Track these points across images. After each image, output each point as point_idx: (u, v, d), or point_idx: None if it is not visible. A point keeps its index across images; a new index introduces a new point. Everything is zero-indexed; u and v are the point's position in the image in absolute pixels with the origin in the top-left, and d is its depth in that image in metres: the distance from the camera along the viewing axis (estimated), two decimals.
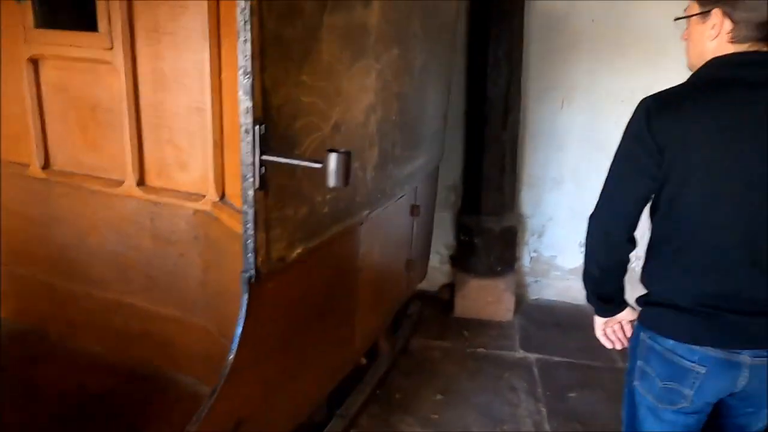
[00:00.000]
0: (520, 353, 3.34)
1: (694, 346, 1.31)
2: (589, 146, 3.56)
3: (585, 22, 3.46)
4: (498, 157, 3.44)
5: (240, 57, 1.17)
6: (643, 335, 1.42)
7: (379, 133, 1.86)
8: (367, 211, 1.88)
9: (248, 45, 1.16)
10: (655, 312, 1.40)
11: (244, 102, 1.21)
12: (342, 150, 1.20)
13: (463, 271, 3.67)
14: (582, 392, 2.93)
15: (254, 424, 1.44)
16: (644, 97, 1.33)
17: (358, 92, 1.66)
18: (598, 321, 1.55)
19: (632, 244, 1.40)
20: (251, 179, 1.26)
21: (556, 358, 3.28)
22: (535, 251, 3.96)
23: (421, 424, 2.69)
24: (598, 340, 1.60)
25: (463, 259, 3.68)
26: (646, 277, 1.43)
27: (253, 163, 1.25)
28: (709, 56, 1.31)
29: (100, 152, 1.72)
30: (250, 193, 1.27)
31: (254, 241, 1.31)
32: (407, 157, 2.18)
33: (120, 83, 1.59)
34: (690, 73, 1.38)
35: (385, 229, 2.14)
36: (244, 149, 1.24)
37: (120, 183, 1.68)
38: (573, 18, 3.50)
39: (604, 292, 1.49)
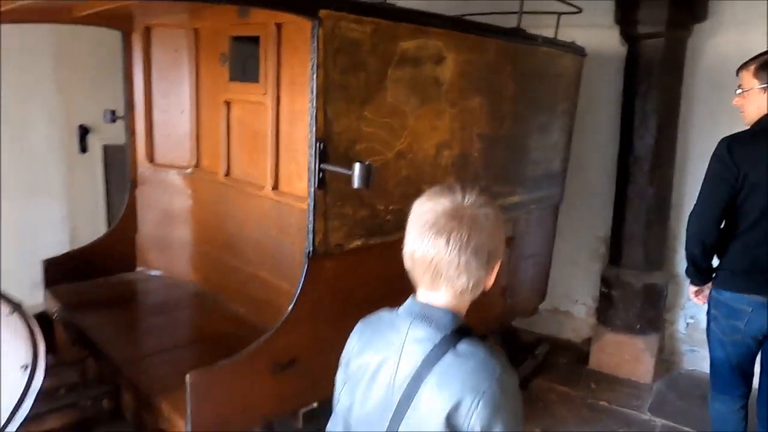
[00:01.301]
0: (647, 416, 3.21)
1: (743, 294, 2.13)
2: None
3: None
4: (641, 212, 3.43)
5: (309, 96, 1.74)
6: (714, 292, 2.24)
7: (455, 166, 2.26)
8: None
9: (314, 88, 1.73)
10: (720, 275, 2.22)
11: (312, 127, 1.77)
12: (366, 162, 1.67)
13: (601, 324, 3.67)
14: None
15: (304, 366, 1.92)
16: (724, 137, 2.14)
17: (427, 130, 2.10)
18: (692, 288, 2.34)
19: (719, 234, 2.16)
20: (313, 181, 1.80)
21: (686, 429, 3.08)
22: (692, 317, 3.72)
23: None
24: None
25: (602, 312, 3.68)
26: (718, 254, 2.20)
27: (314, 169, 1.79)
28: (764, 113, 2.11)
29: (255, 166, 2.44)
30: (311, 191, 1.81)
31: (313, 226, 1.84)
32: (496, 192, 2.51)
33: (269, 118, 2.30)
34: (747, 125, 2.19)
35: None
36: (309, 159, 1.79)
37: (263, 188, 2.38)
38: None
39: (699, 268, 2.24)
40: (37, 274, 2.81)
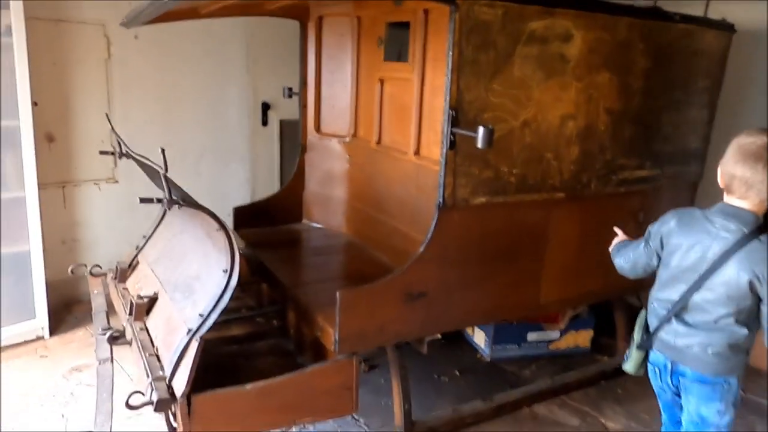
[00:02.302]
0: (765, 401, 3.09)
1: None
2: None
3: None
4: None
5: (446, 71, 2.07)
6: None
7: (580, 137, 2.45)
8: (561, 195, 2.48)
9: (450, 63, 2.06)
10: None
11: (446, 96, 2.10)
12: (488, 126, 1.97)
13: None
14: None
15: (431, 299, 2.28)
16: None
17: (553, 101, 2.33)
18: None
19: None
20: (445, 143, 2.14)
21: None
22: None
23: (626, 416, 2.98)
24: None
25: None
26: None
27: (447, 132, 2.12)
28: None
29: (402, 134, 2.82)
30: (444, 151, 2.15)
31: (443, 182, 2.18)
32: (622, 165, 2.64)
33: (414, 92, 2.66)
34: None
35: (594, 218, 2.65)
36: (443, 124, 2.13)
37: (406, 153, 2.76)
38: None
39: None
40: (227, 220, 3.51)
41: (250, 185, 4.62)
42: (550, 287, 2.63)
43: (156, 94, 4.04)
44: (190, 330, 1.99)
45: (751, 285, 1.71)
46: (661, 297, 1.95)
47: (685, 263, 1.85)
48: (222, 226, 2.05)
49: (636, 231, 2.86)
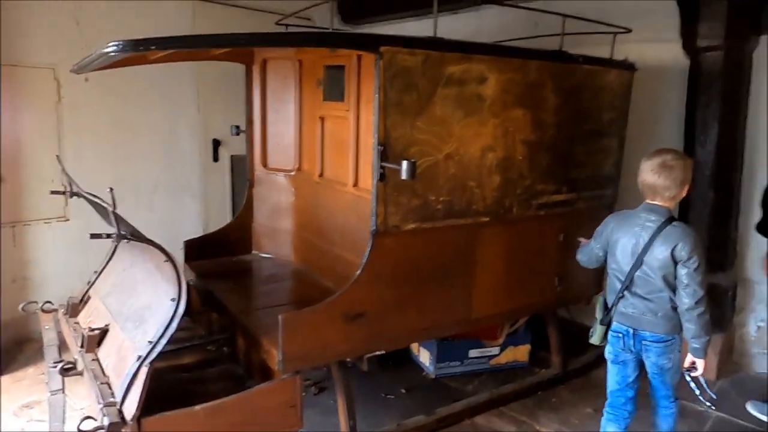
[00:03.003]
0: (703, 408, 3.38)
1: None
2: None
3: None
4: (703, 216, 3.60)
5: (366, 110, 2.31)
6: None
7: (500, 167, 2.72)
8: (486, 219, 2.74)
9: (376, 104, 2.30)
10: None
11: (375, 134, 2.33)
12: (412, 160, 2.20)
13: None
14: None
15: (369, 319, 2.47)
16: None
17: (473, 136, 2.59)
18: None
19: None
20: (375, 176, 2.36)
21: (739, 421, 3.23)
22: (762, 321, 3.79)
23: (559, 422, 3.21)
24: None
25: None
26: None
27: (376, 166, 2.35)
28: None
29: (341, 167, 3.04)
30: (374, 183, 2.37)
31: (375, 211, 2.40)
32: (543, 190, 2.92)
33: (351, 129, 2.89)
34: None
35: (517, 239, 2.91)
36: (373, 159, 2.36)
37: (346, 185, 2.98)
38: None
39: None
40: (179, 254, 3.63)
41: (203, 219, 4.75)
42: (481, 303, 2.86)
43: (108, 133, 4.17)
44: (140, 356, 2.12)
45: (672, 255, 2.30)
46: (611, 281, 2.54)
47: (626, 250, 2.42)
48: (169, 257, 2.20)
49: (558, 250, 3.15)
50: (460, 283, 2.77)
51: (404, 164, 2.20)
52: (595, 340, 2.57)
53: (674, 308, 2.36)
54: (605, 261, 2.58)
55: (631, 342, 2.46)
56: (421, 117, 2.43)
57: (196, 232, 4.49)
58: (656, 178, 2.32)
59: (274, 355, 2.35)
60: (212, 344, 3.02)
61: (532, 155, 2.84)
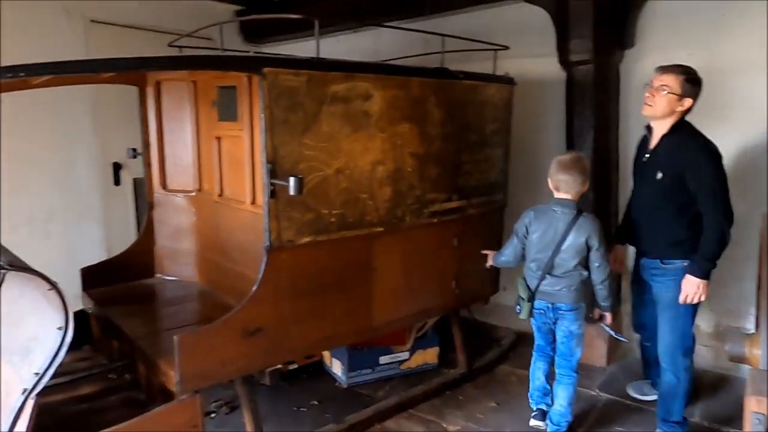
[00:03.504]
0: (594, 392, 3.65)
1: None
2: None
3: None
4: None
5: (260, 130, 2.38)
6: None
7: (390, 179, 2.86)
8: (380, 229, 2.86)
9: (263, 124, 2.37)
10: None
11: (263, 152, 2.40)
12: (298, 176, 2.29)
13: None
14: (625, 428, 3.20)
15: (268, 333, 2.53)
16: (712, 142, 2.74)
17: (362, 150, 2.72)
18: (704, 283, 2.71)
19: None
20: (266, 192, 2.43)
21: (627, 402, 3.51)
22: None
23: (465, 418, 3.36)
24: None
25: None
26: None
27: (267, 183, 2.42)
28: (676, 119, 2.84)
29: (239, 186, 3.08)
30: (266, 200, 2.44)
31: (268, 227, 2.46)
32: (434, 199, 3.09)
33: (245, 148, 2.95)
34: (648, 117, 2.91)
35: (412, 246, 3.06)
36: (263, 176, 2.43)
37: (243, 203, 3.02)
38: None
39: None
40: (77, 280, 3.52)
41: (106, 245, 4.60)
42: (381, 310, 2.98)
43: None
44: (25, 390, 2.07)
45: (586, 242, 2.84)
46: (532, 265, 2.98)
47: (545, 239, 2.91)
48: (53, 285, 2.16)
49: (453, 254, 3.33)
50: (358, 292, 2.87)
51: (291, 180, 2.28)
52: (523, 315, 3.03)
53: (582, 282, 2.92)
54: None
55: (551, 314, 2.99)
56: (309, 134, 2.52)
57: (99, 258, 4.32)
58: (566, 176, 2.83)
59: (172, 377, 2.35)
60: (112, 372, 2.96)
61: (422, 167, 3.00)
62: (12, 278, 2.55)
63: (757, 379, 2.05)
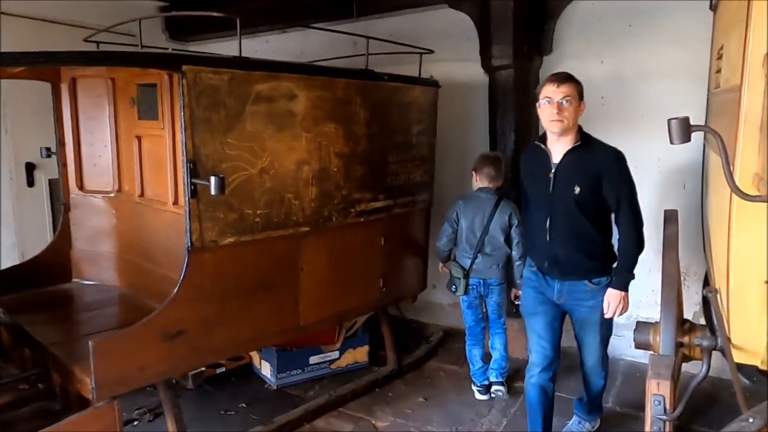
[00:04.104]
0: (519, 384, 3.78)
1: None
2: None
3: (595, 100, 4.01)
4: None
5: (180, 128, 2.34)
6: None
7: (316, 178, 2.87)
8: (306, 229, 2.87)
9: (183, 123, 2.33)
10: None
11: (183, 151, 2.36)
12: (219, 175, 2.26)
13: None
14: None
15: (190, 336, 2.48)
16: (618, 149, 2.63)
17: (286, 150, 2.72)
18: (623, 294, 2.66)
19: None
20: (187, 192, 2.39)
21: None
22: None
23: (394, 414, 3.41)
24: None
25: None
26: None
27: (187, 183, 2.38)
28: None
29: (161, 186, 3.00)
30: (186, 199, 2.40)
31: (189, 227, 2.42)
32: (360, 199, 3.13)
33: (167, 147, 2.88)
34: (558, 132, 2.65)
35: (339, 246, 3.08)
36: (183, 175, 2.38)
37: (166, 203, 2.95)
38: (585, 97, 4.06)
39: None
40: None
41: (19, 249, 4.36)
42: (309, 310, 2.98)
43: None
44: None
45: (509, 219, 3.37)
46: (466, 245, 3.42)
47: (476, 222, 3.38)
48: None
49: (379, 253, 3.38)
50: (285, 292, 2.86)
51: (212, 180, 2.26)
52: (459, 292, 3.45)
53: (506, 259, 3.43)
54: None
55: (482, 289, 3.46)
56: (232, 133, 2.50)
57: (10, 264, 4.11)
58: (490, 168, 3.37)
59: (87, 383, 2.26)
60: (24, 382, 2.81)
61: (348, 166, 3.03)
62: None
63: (657, 364, 2.21)
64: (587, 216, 2.61)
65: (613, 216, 2.69)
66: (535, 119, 4.25)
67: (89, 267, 3.42)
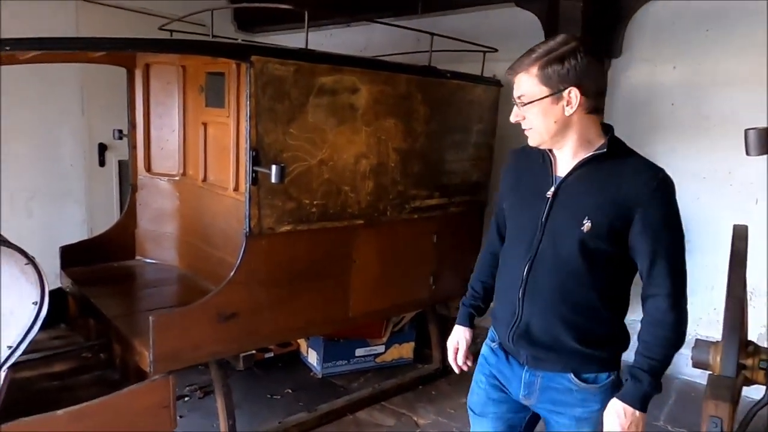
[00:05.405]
0: None
1: None
2: None
3: (665, 106, 3.87)
4: None
5: (245, 116, 2.41)
6: None
7: (373, 173, 2.89)
8: (361, 222, 2.90)
9: (248, 111, 2.39)
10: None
11: (247, 139, 2.43)
12: (281, 164, 2.32)
13: None
14: None
15: (243, 319, 2.55)
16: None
17: (346, 143, 2.75)
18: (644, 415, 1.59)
19: None
20: (248, 179, 2.45)
21: None
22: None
23: (436, 412, 3.41)
24: None
25: None
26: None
27: (249, 170, 2.44)
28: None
29: (223, 172, 3.10)
30: (247, 186, 2.46)
31: (249, 213, 2.49)
32: (416, 195, 3.13)
33: (231, 135, 2.97)
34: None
35: (392, 241, 3.10)
36: (246, 162, 2.45)
37: (227, 189, 3.04)
38: (654, 103, 3.93)
39: None
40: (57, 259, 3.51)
41: (88, 225, 4.60)
42: (358, 302, 3.01)
43: None
44: None
45: None
46: None
47: None
48: (30, 260, 2.17)
49: (432, 250, 3.37)
50: (336, 283, 2.90)
51: (273, 168, 2.31)
52: None
53: None
54: None
55: None
56: (294, 124, 2.55)
57: (80, 238, 4.33)
58: None
59: (146, 357, 2.37)
60: (87, 351, 2.96)
61: (405, 162, 3.04)
62: None
63: (716, 384, 2.12)
64: (594, 270, 1.58)
65: (640, 278, 1.61)
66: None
67: (152, 246, 3.57)
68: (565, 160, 1.65)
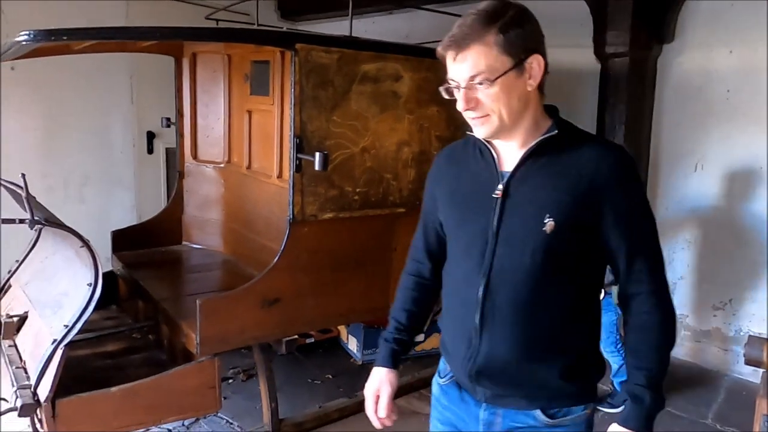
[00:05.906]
0: None
1: None
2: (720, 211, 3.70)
3: (720, 93, 3.72)
4: None
5: (289, 104, 2.43)
6: None
7: (415, 160, 2.88)
8: (402, 210, 2.90)
9: (292, 99, 2.41)
10: None
11: (291, 126, 2.45)
12: (324, 152, 2.33)
13: None
14: None
15: (286, 304, 2.59)
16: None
17: (388, 131, 2.74)
18: None
19: None
20: (292, 166, 2.48)
21: None
22: None
23: None
24: None
25: None
26: None
27: (293, 157, 2.47)
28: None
29: (267, 160, 3.14)
30: (291, 173, 2.49)
31: (292, 200, 2.52)
32: None
33: (275, 123, 3.00)
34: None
35: None
36: (289, 150, 2.48)
37: (270, 176, 3.08)
38: (708, 90, 3.77)
39: None
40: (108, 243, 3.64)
41: (137, 211, 4.74)
42: None
43: (35, 123, 4.13)
44: (55, 340, 2.17)
45: None
46: None
47: None
48: (85, 243, 2.25)
49: None
50: (376, 271, 2.91)
51: (317, 155, 2.33)
52: None
53: None
54: None
55: None
56: (337, 111, 2.56)
57: (130, 223, 4.47)
58: None
59: (193, 339, 2.43)
60: (137, 332, 3.07)
61: None
62: (48, 233, 2.67)
63: None
64: (562, 279, 1.32)
65: (612, 274, 1.39)
66: (649, 113, 4.07)
67: (198, 232, 3.66)
68: (511, 151, 1.35)
